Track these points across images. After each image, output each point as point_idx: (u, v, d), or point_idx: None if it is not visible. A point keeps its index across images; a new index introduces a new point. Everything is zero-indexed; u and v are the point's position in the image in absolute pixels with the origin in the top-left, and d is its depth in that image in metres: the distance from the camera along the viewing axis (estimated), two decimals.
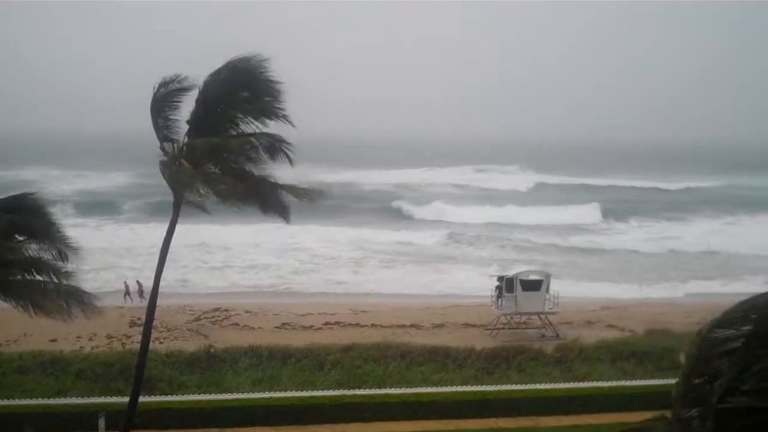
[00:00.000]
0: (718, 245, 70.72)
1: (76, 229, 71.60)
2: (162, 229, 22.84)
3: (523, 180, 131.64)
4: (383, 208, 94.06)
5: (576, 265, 62.52)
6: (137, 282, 47.14)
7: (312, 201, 23.21)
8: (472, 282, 52.51)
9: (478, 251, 68.13)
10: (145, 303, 44.24)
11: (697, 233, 78.74)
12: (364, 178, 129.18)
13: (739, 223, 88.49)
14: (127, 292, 46.10)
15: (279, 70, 22.12)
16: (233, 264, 59.64)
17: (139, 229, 72.45)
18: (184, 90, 22.28)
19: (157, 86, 22.04)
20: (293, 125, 22.26)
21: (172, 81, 21.94)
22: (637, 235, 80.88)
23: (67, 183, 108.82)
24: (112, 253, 59.75)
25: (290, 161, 22.42)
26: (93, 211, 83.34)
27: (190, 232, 60.43)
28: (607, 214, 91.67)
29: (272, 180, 22.70)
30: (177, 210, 22.32)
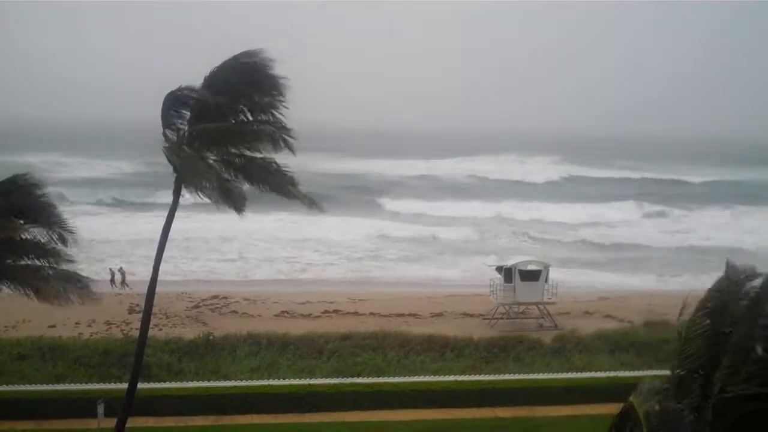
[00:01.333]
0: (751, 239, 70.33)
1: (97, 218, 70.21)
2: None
3: (551, 171, 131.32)
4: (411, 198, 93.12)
5: (616, 261, 62.03)
6: (119, 269, 47.53)
7: (309, 207, 23.49)
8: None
9: (513, 246, 66.81)
10: (126, 290, 44.81)
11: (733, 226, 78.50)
12: (393, 168, 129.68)
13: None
14: (112, 279, 46.25)
15: (286, 67, 22.26)
16: (250, 254, 59.53)
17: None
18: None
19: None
20: (285, 123, 22.46)
21: (189, 88, 22.25)
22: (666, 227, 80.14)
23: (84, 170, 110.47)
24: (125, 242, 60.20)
25: (291, 150, 22.43)
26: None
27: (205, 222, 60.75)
28: (643, 209, 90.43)
29: (279, 168, 22.92)
30: (177, 197, 22.33)
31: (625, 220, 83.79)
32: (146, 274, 23.27)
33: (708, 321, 9.94)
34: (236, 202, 22.70)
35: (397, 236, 68.71)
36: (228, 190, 22.27)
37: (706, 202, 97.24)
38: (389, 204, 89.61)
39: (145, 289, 22.67)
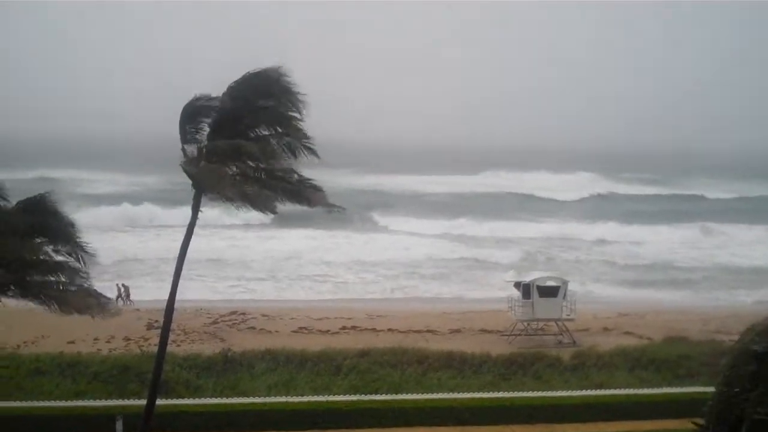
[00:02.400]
0: None
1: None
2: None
3: (583, 188, 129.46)
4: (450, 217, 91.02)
5: (645, 279, 60.96)
6: (123, 285, 47.54)
7: (330, 211, 23.65)
8: None
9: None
10: (130, 306, 45.02)
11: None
12: (415, 184, 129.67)
13: None
14: (119, 296, 46.40)
15: (302, 80, 22.44)
16: (281, 273, 59.62)
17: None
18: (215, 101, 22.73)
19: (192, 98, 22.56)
20: (307, 134, 22.59)
21: (205, 97, 22.45)
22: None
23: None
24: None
25: (315, 155, 22.62)
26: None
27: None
28: (674, 225, 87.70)
29: (300, 176, 23.15)
30: (196, 213, 22.49)
31: (654, 236, 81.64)
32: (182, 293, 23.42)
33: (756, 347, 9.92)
34: (265, 203, 22.81)
35: (425, 254, 67.88)
36: (253, 195, 22.44)
37: (739, 218, 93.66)
38: (412, 223, 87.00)
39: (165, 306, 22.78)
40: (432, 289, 56.40)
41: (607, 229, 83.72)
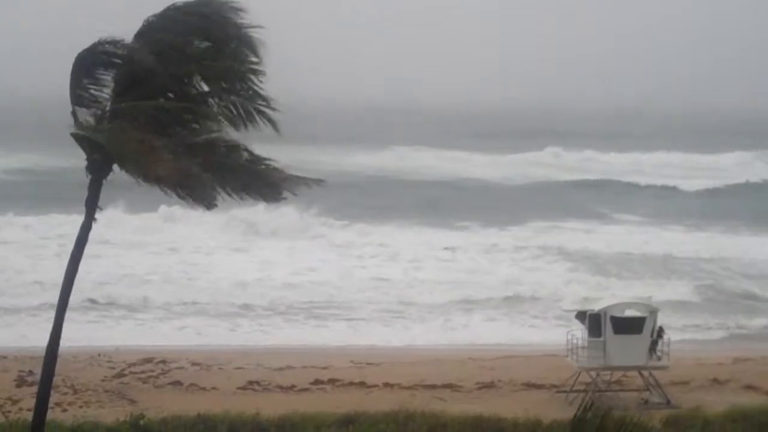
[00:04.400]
0: None
1: None
2: None
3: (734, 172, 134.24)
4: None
5: None
6: None
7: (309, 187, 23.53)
8: None
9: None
10: None
11: None
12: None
13: None
14: None
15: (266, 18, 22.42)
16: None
17: None
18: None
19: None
20: (264, 96, 22.59)
21: (110, 41, 22.22)
22: None
23: None
24: None
25: (274, 127, 22.64)
26: None
27: None
28: None
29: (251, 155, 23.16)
30: (93, 209, 22.19)
31: None
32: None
33: None
34: (204, 193, 22.77)
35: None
36: (196, 177, 22.19)
37: None
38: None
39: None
40: (453, 322, 57.02)
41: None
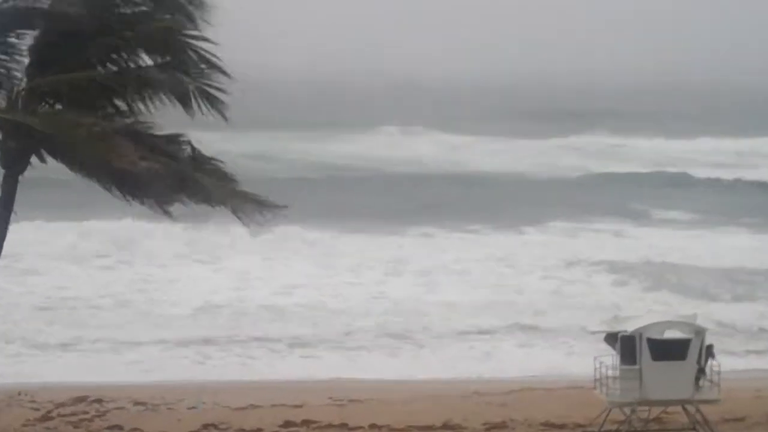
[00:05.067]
0: None
1: None
2: None
3: None
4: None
5: None
6: None
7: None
8: None
9: None
10: None
11: None
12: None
13: None
14: None
15: None
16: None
17: None
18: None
19: None
20: (221, 67, 24.01)
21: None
22: None
23: None
24: None
25: (221, 113, 24.15)
26: None
27: None
28: None
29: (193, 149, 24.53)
30: (10, 206, 23.55)
31: None
32: None
33: None
34: (162, 193, 24.02)
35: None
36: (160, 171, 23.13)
37: None
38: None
39: None
40: (456, 349, 57.23)
41: None
